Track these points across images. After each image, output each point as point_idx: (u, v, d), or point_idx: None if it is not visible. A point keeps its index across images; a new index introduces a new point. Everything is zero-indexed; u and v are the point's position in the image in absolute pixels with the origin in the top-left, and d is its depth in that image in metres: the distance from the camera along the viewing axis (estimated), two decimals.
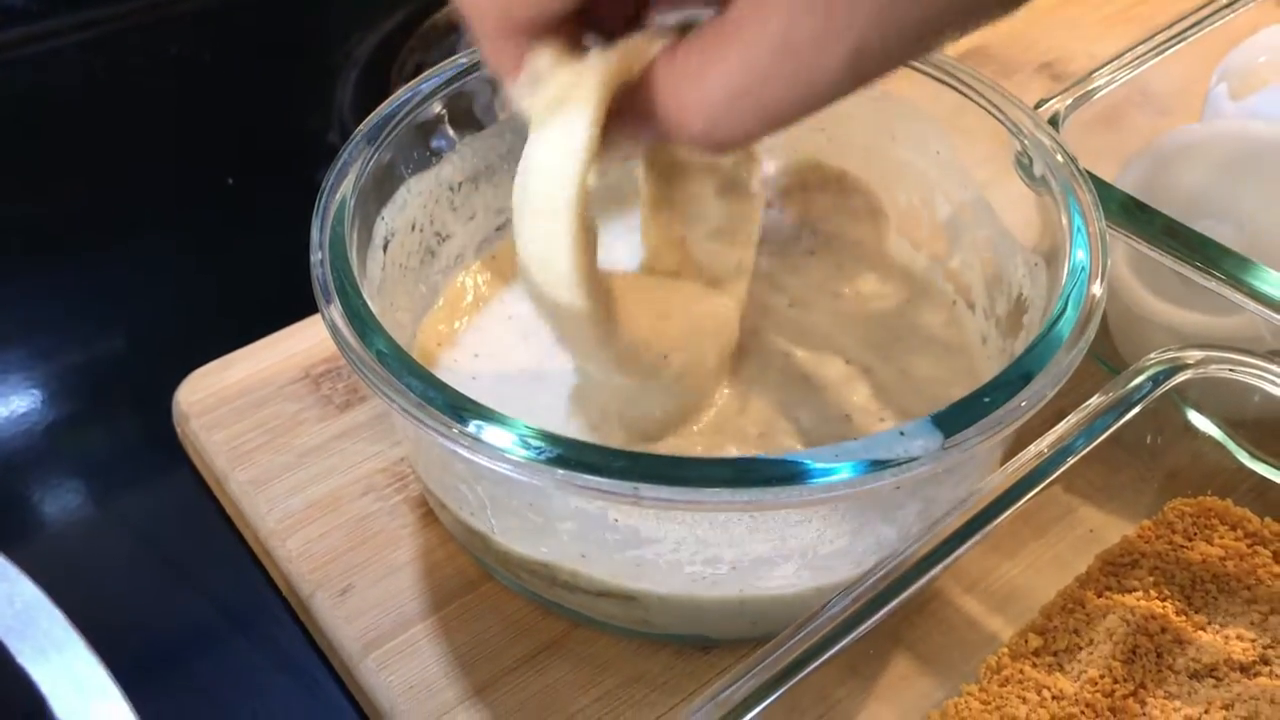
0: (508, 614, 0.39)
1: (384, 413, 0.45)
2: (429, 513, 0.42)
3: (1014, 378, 0.32)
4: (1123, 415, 0.37)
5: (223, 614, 0.42)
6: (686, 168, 0.39)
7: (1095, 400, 0.37)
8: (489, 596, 0.40)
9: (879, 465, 0.30)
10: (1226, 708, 0.33)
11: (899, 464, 0.30)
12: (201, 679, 0.40)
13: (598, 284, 0.33)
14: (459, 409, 0.31)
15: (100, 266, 0.55)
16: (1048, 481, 0.35)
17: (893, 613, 0.37)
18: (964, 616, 0.39)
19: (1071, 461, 0.36)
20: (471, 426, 0.31)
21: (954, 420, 0.31)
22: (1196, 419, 0.42)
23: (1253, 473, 0.41)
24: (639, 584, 0.34)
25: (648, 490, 0.29)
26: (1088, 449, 0.36)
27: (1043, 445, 0.36)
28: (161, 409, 0.47)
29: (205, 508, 0.45)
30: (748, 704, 0.30)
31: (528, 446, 0.30)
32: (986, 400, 0.31)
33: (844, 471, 0.30)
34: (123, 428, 0.49)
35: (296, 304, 0.46)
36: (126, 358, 0.52)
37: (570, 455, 0.30)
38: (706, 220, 0.39)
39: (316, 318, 0.41)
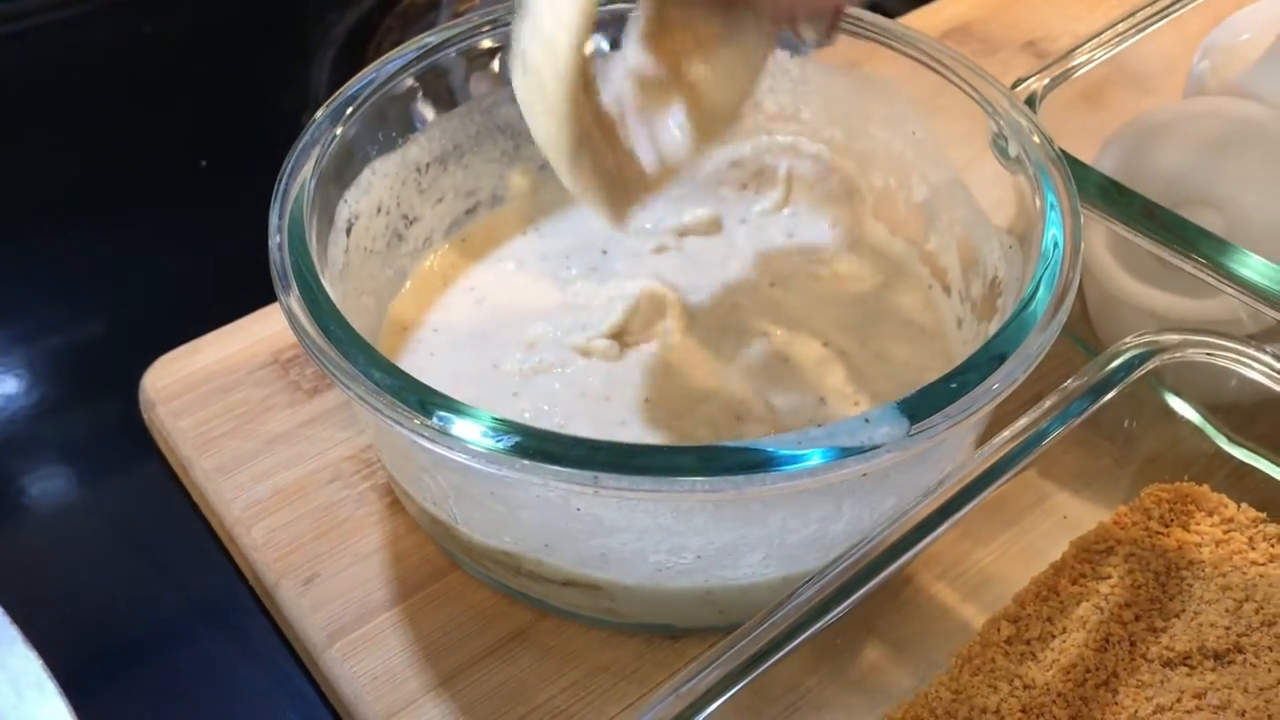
0: (474, 604, 0.39)
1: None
2: (395, 501, 0.41)
3: (983, 361, 0.31)
4: (1099, 399, 0.37)
5: (189, 603, 0.41)
6: None
7: (1071, 383, 0.37)
8: (455, 586, 0.39)
9: (843, 453, 0.29)
10: (1199, 696, 0.33)
11: (864, 451, 0.29)
12: (166, 668, 0.39)
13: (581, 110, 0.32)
14: (418, 398, 0.30)
15: (70, 249, 0.55)
16: (1022, 466, 0.35)
17: (862, 601, 0.36)
18: (936, 604, 0.39)
19: (1046, 445, 0.35)
20: (430, 416, 0.30)
21: (920, 406, 0.30)
22: (1175, 403, 0.41)
23: (1231, 457, 0.41)
24: (604, 573, 0.34)
25: (607, 479, 0.29)
26: (1063, 432, 0.36)
27: (1017, 429, 0.35)
28: (131, 394, 0.46)
29: (172, 495, 0.44)
30: (711, 695, 0.30)
31: (487, 435, 0.29)
32: (953, 385, 0.31)
33: (808, 460, 0.29)
34: (91, 413, 0.49)
35: (269, 288, 0.45)
36: (96, 342, 0.51)
37: (530, 444, 0.29)
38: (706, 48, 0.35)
39: None
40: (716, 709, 0.30)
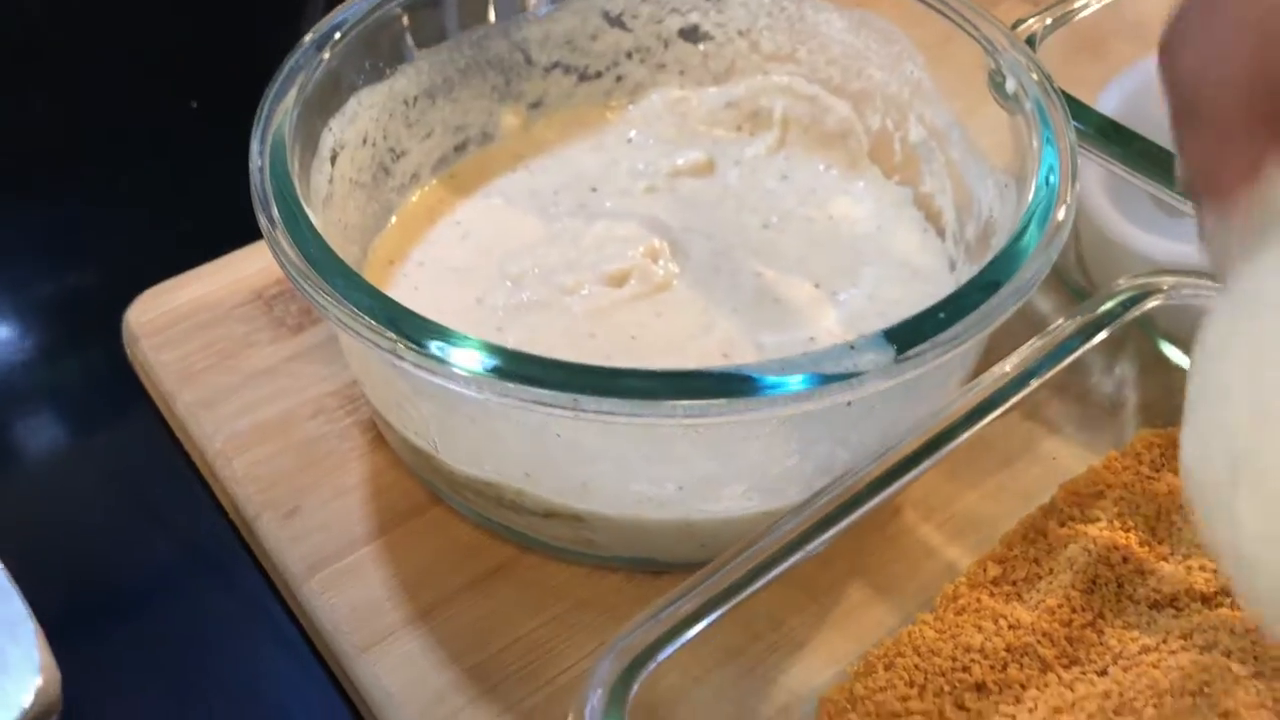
0: (456, 538, 0.38)
1: (335, 334, 0.44)
2: (379, 437, 0.41)
3: (972, 292, 0.31)
4: (1090, 339, 0.36)
5: (170, 539, 0.41)
6: None
7: (1062, 323, 0.36)
8: (437, 521, 0.39)
9: (826, 379, 0.29)
10: (1185, 637, 0.33)
11: (847, 378, 0.29)
12: (144, 602, 0.39)
13: None
14: (396, 319, 0.30)
15: (59, 190, 0.54)
16: (1011, 404, 0.34)
17: (844, 535, 0.36)
18: (923, 545, 0.38)
19: (1036, 385, 0.35)
20: (409, 338, 0.29)
21: (906, 335, 0.30)
22: (1169, 351, 0.41)
23: None
24: (585, 504, 0.33)
25: (587, 402, 0.28)
26: (1054, 373, 0.35)
27: (1006, 367, 0.35)
28: (117, 333, 0.45)
29: (155, 432, 0.44)
30: (688, 622, 0.29)
31: (467, 358, 0.29)
32: (941, 315, 0.30)
33: (790, 385, 0.28)
34: (77, 352, 0.48)
35: (256, 228, 0.45)
36: (82, 283, 0.51)
37: (509, 367, 0.29)
38: None
39: None
40: (693, 637, 0.30)
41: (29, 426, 0.46)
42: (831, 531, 0.31)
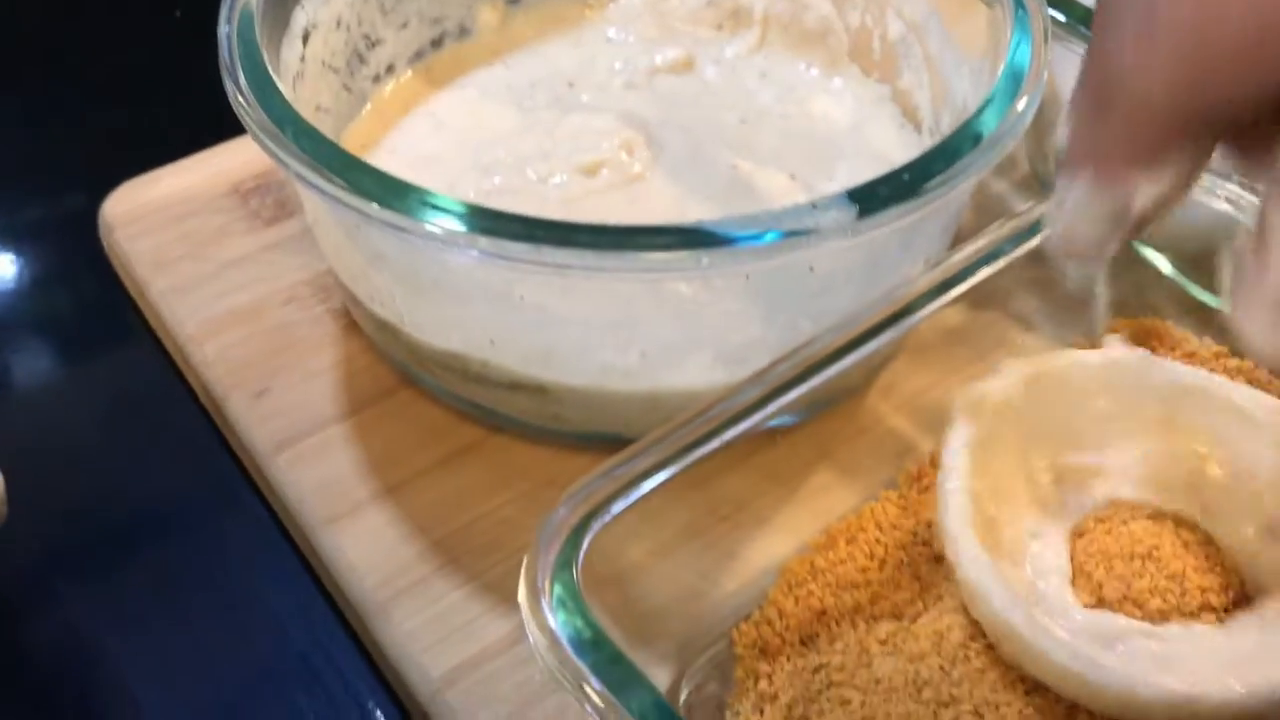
0: (424, 420, 0.38)
1: (309, 224, 0.44)
2: (352, 323, 0.41)
3: (936, 157, 0.31)
4: None
5: (139, 422, 0.41)
6: None
7: (1033, 205, 0.36)
8: (407, 403, 0.39)
9: (787, 235, 0.29)
10: (1136, 506, 0.33)
11: (807, 234, 0.29)
12: (111, 480, 0.39)
13: None
14: (358, 173, 0.30)
15: (37, 87, 0.54)
16: (976, 279, 0.34)
17: (812, 422, 0.36)
18: (892, 433, 0.38)
19: (1003, 263, 0.35)
20: (371, 191, 0.29)
21: (869, 196, 0.29)
22: (1145, 250, 0.41)
23: (1198, 304, 0.40)
24: (550, 374, 0.33)
25: (549, 253, 0.28)
26: (1021, 251, 0.35)
27: (977, 245, 0.35)
28: (94, 226, 0.45)
29: (130, 325, 0.44)
30: (638, 480, 0.29)
31: (424, 207, 0.29)
32: (905, 177, 0.30)
33: (750, 240, 0.28)
34: (53, 247, 0.48)
35: (235, 125, 0.45)
36: (59, 180, 0.51)
37: (472, 219, 0.29)
38: None
39: (247, 137, 0.40)
40: (647, 493, 0.29)
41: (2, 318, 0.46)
42: (790, 396, 0.31)
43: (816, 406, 0.37)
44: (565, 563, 0.28)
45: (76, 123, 0.52)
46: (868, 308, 0.33)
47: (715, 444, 0.30)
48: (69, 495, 0.39)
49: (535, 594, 0.27)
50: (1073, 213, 0.25)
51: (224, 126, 0.45)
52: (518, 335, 0.33)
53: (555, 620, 0.26)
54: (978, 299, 0.42)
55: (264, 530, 0.38)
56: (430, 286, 0.32)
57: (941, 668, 0.29)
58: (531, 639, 0.27)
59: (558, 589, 0.27)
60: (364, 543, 0.35)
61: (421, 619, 0.34)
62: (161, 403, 0.42)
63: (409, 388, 0.39)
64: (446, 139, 0.41)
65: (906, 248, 0.33)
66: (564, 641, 0.26)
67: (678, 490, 0.37)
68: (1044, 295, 0.40)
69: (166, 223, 0.44)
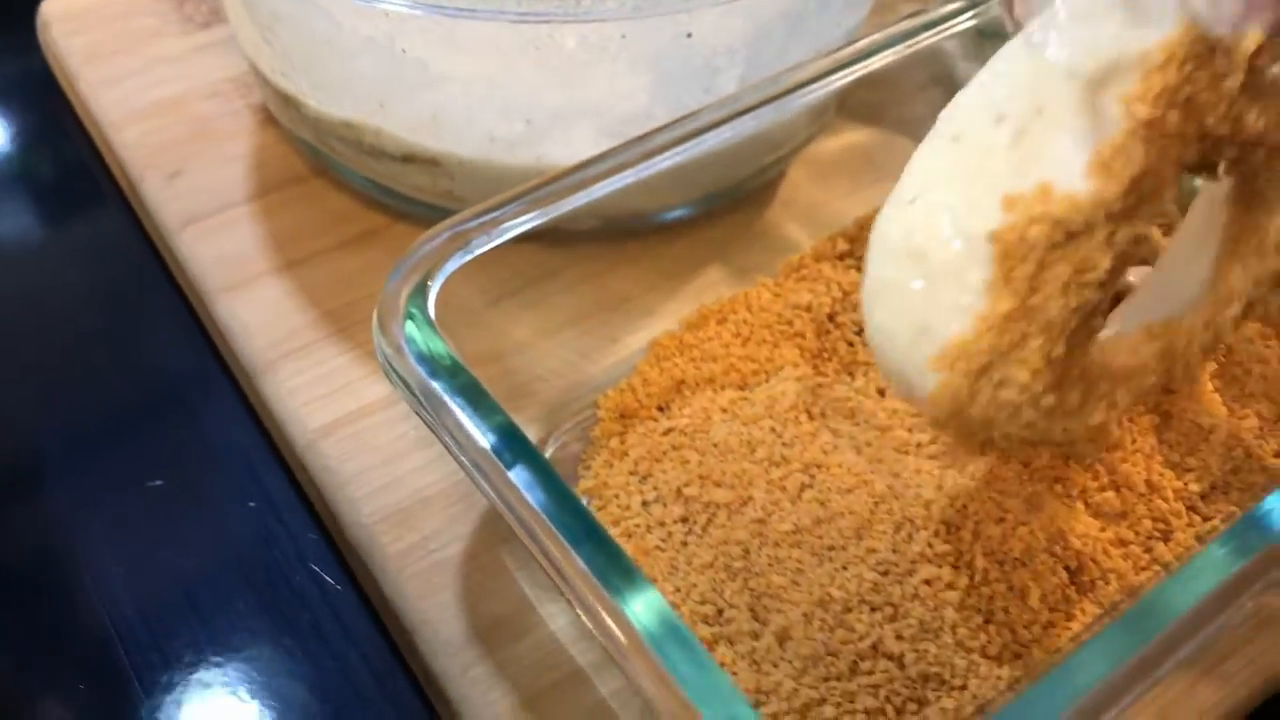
0: (331, 206, 0.39)
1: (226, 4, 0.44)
2: (270, 118, 0.42)
3: None
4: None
5: (55, 202, 0.42)
6: None
7: (934, 4, 0.36)
8: (317, 190, 0.40)
9: None
10: None
11: None
12: (25, 259, 0.40)
13: None
14: None
15: None
16: (875, 62, 0.34)
17: (709, 228, 0.37)
18: (787, 240, 0.39)
19: (925, 40, 0.34)
20: None
21: None
22: None
23: None
24: (439, 143, 0.34)
25: None
26: (924, 40, 0.35)
27: (872, 38, 0.35)
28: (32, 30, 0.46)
29: (61, 119, 0.45)
30: (499, 224, 0.29)
31: None
32: None
33: None
34: None
35: None
36: None
37: None
38: None
39: None
40: (503, 244, 0.30)
41: None
42: (661, 162, 0.31)
43: (711, 200, 0.38)
44: (423, 287, 0.28)
45: None
46: (754, 87, 0.33)
47: (581, 200, 0.31)
48: None
49: (391, 314, 0.28)
50: None
51: None
52: (404, 97, 0.33)
53: (405, 339, 0.27)
54: (889, 124, 0.43)
55: (168, 300, 0.39)
56: (321, 46, 0.33)
57: (774, 429, 0.30)
58: (381, 357, 0.27)
59: (413, 309, 0.28)
60: (257, 309, 0.36)
61: (304, 379, 0.35)
62: (84, 192, 0.43)
63: (321, 177, 0.40)
64: None
65: (793, 32, 0.33)
66: (410, 356, 0.27)
67: (570, 282, 0.38)
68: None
69: (102, 22, 0.45)
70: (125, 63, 0.43)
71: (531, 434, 0.34)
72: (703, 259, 0.38)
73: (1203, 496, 0.30)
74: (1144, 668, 0.23)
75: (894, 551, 0.27)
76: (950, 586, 0.27)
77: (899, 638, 0.26)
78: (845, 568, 0.27)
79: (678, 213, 0.38)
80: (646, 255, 0.38)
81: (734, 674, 0.26)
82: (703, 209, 0.38)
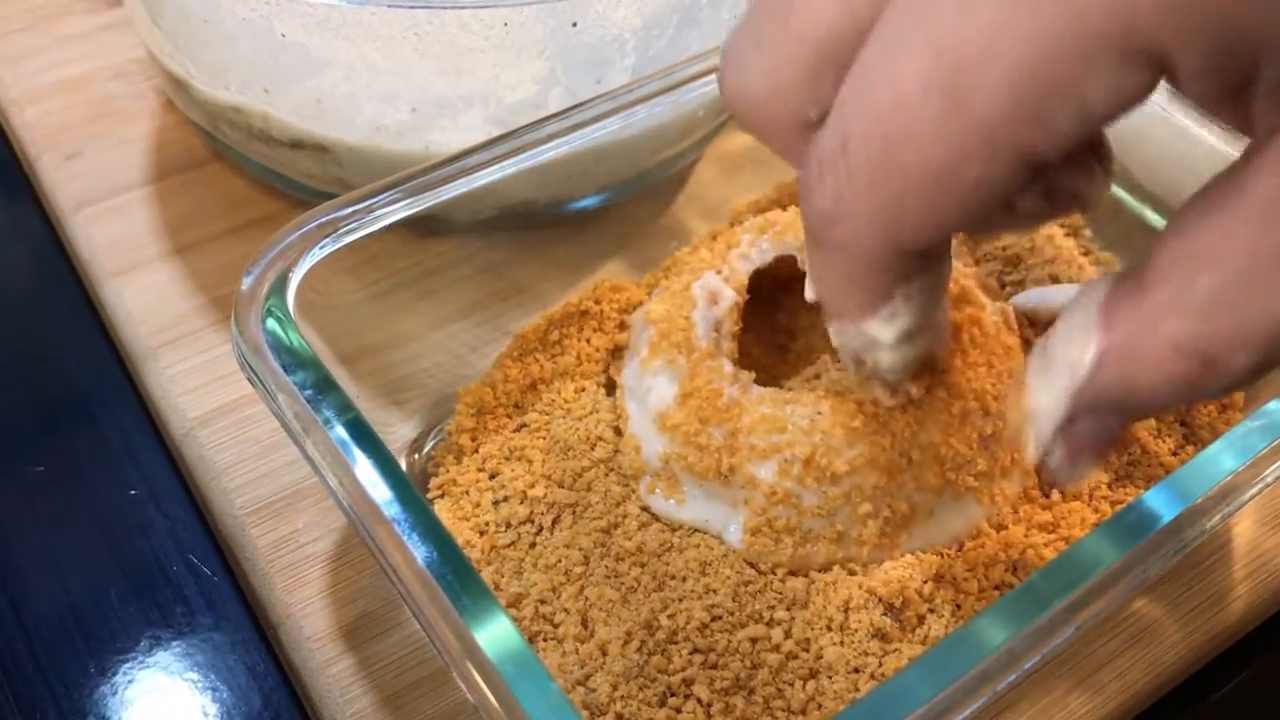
0: (228, 192, 0.39)
1: None
2: (171, 101, 0.41)
3: None
4: None
5: None
6: None
7: None
8: (214, 175, 0.39)
9: None
10: None
11: None
12: None
13: None
14: None
15: None
16: None
17: (609, 220, 0.36)
18: (692, 234, 0.38)
19: None
20: None
21: None
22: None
23: None
24: (326, 130, 0.33)
25: None
26: None
27: None
28: None
29: None
30: (360, 216, 0.29)
31: None
32: None
33: None
34: None
35: None
36: None
37: None
38: None
39: None
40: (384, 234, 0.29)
41: None
42: (546, 152, 0.31)
43: (615, 191, 0.37)
44: (284, 279, 0.28)
45: None
46: (647, 79, 0.32)
47: (462, 189, 0.30)
48: None
49: (251, 300, 0.27)
50: (838, 343, 0.24)
51: None
52: (287, 82, 0.33)
53: (261, 329, 0.27)
54: None
55: (64, 283, 0.38)
56: (202, 27, 0.32)
57: (616, 428, 0.30)
58: (235, 351, 0.27)
59: (272, 300, 0.27)
60: (144, 294, 0.36)
61: (186, 366, 0.34)
62: None
63: (218, 161, 0.39)
64: None
65: (685, 23, 0.33)
66: (266, 346, 0.26)
67: (465, 273, 0.38)
68: None
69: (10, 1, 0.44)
70: (30, 40, 0.43)
71: (411, 429, 0.34)
72: (604, 251, 0.37)
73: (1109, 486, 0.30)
74: (985, 678, 0.23)
75: (733, 600, 0.26)
76: (774, 650, 0.26)
77: (711, 686, 0.25)
78: (680, 599, 0.26)
79: (582, 204, 0.37)
80: (548, 247, 0.38)
81: (559, 678, 0.25)
82: (608, 201, 0.37)
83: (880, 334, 0.23)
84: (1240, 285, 0.18)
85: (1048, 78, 0.17)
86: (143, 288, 0.36)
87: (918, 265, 0.21)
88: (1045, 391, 0.21)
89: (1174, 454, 0.31)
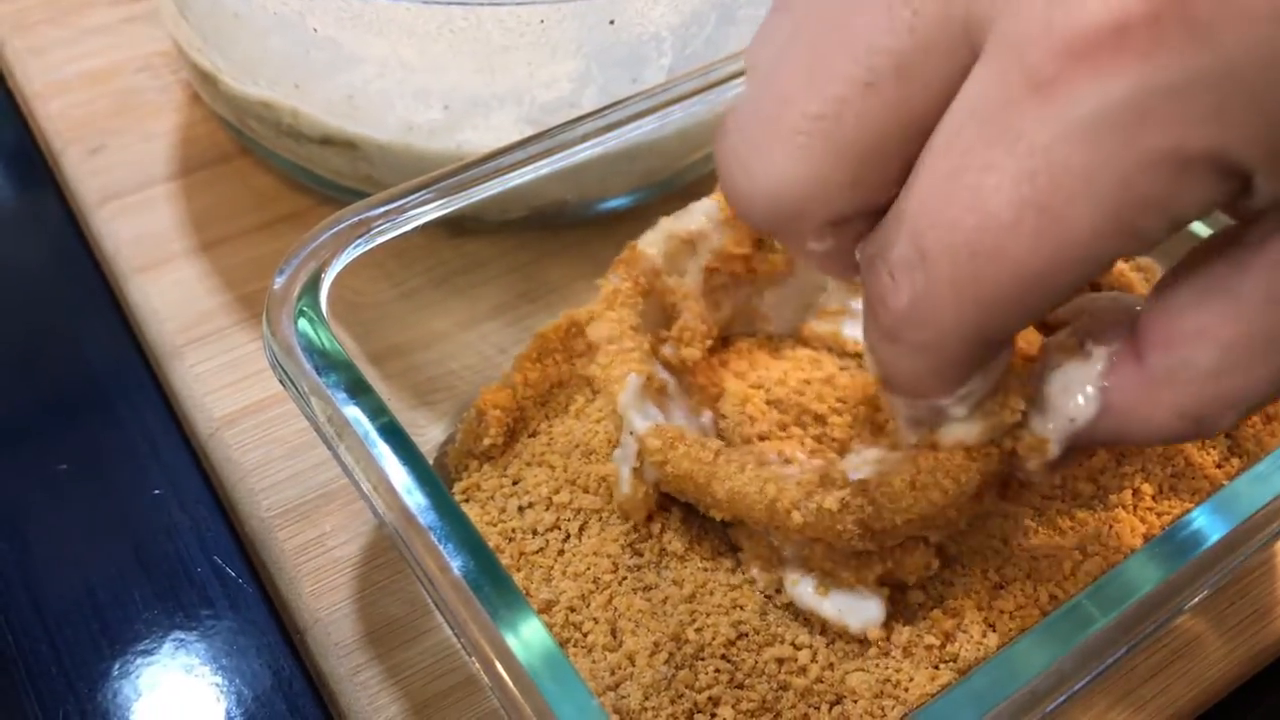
0: (255, 187, 0.38)
1: None
2: (198, 95, 0.40)
3: None
4: None
5: None
6: None
7: None
8: (241, 170, 0.39)
9: None
10: None
11: None
12: None
13: None
14: None
15: None
16: None
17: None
18: None
19: None
20: None
21: None
22: None
23: None
24: (356, 127, 0.33)
25: None
26: None
27: None
28: None
29: None
30: (400, 213, 0.28)
31: None
32: None
33: None
34: None
35: None
36: None
37: None
38: None
39: None
40: (412, 234, 0.29)
41: None
42: (581, 152, 0.30)
43: (649, 191, 0.37)
44: (316, 280, 0.27)
45: None
46: (684, 77, 0.32)
47: (495, 189, 0.29)
48: None
49: (283, 299, 0.27)
50: (903, 414, 0.24)
51: None
52: (319, 78, 0.32)
53: (294, 330, 0.26)
54: None
55: (88, 279, 0.38)
56: (233, 21, 0.32)
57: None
58: (267, 346, 0.26)
59: (304, 301, 0.27)
60: (169, 291, 0.35)
61: (213, 365, 0.34)
62: (9, 164, 0.42)
63: (245, 156, 0.39)
64: None
65: (723, 21, 0.32)
66: (298, 347, 0.26)
67: (496, 273, 0.37)
68: None
69: None
70: (54, 32, 0.42)
71: (441, 430, 0.33)
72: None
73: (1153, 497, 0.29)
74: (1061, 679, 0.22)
75: (760, 617, 0.26)
76: (800, 673, 0.25)
77: (737, 706, 0.25)
78: (708, 614, 0.26)
79: (614, 204, 0.37)
80: (579, 246, 0.37)
81: (590, 685, 0.25)
82: (640, 201, 0.37)
83: (955, 410, 0.23)
84: (1237, 360, 0.20)
85: (1142, 197, 0.17)
86: (168, 284, 0.35)
87: (999, 349, 0.22)
88: (1039, 428, 0.23)
89: (1218, 466, 0.31)
